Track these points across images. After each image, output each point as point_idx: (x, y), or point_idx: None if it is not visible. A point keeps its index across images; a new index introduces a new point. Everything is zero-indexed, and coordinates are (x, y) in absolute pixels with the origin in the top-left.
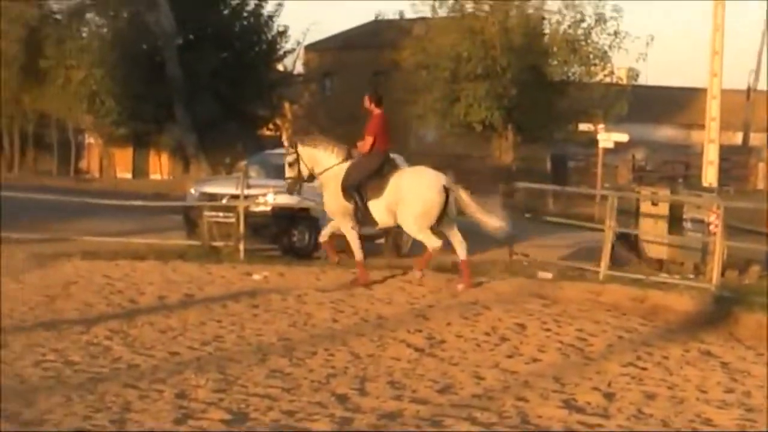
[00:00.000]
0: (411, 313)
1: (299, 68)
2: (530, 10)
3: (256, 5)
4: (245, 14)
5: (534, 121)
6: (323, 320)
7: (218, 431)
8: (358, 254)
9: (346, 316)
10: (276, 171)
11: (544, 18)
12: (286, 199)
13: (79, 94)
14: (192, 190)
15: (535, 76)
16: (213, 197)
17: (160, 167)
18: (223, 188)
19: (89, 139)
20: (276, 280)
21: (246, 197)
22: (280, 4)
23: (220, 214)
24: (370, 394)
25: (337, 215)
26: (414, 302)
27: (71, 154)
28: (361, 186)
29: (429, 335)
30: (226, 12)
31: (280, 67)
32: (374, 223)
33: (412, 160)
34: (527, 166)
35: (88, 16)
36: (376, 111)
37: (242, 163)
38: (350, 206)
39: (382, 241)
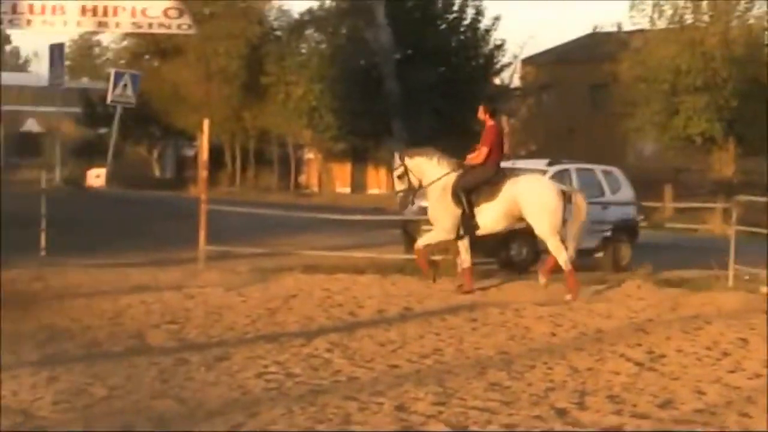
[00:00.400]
0: (630, 327)
1: (516, 82)
2: (751, 21)
3: (473, 20)
4: (462, 29)
5: (756, 133)
6: (542, 334)
7: None
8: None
9: (564, 329)
10: None
11: (766, 28)
12: None
13: (299, 109)
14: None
15: (757, 88)
16: None
17: (378, 181)
18: None
19: (308, 155)
20: (494, 293)
21: None
22: (497, 18)
23: None
24: (589, 409)
25: (441, 222)
26: (633, 316)
27: (291, 169)
28: (472, 192)
29: (649, 349)
30: (443, 27)
31: (497, 80)
32: (476, 228)
33: (631, 173)
34: (749, 179)
35: (308, 32)
36: (490, 122)
37: None
38: (457, 212)
39: (600, 254)
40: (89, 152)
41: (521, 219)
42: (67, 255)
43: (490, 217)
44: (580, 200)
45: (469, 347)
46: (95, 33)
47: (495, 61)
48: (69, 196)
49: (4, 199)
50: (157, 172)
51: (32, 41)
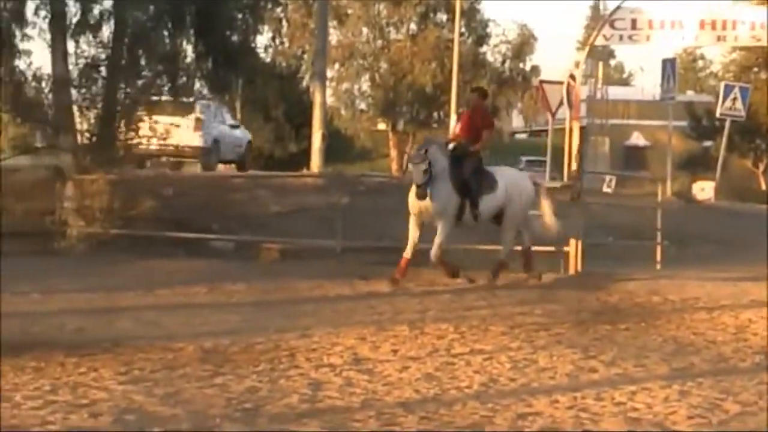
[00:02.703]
0: None
1: None
2: None
3: None
4: None
5: None
6: None
7: None
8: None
9: None
10: None
11: None
12: None
13: None
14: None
15: None
16: None
17: None
18: None
19: None
20: None
21: None
22: None
23: None
24: None
25: (448, 212)
26: None
27: None
28: (473, 180)
29: None
30: None
31: None
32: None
33: None
34: None
35: None
36: (484, 105)
37: None
38: (458, 201)
39: None
40: (694, 165)
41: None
42: (681, 268)
43: (488, 207)
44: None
45: None
46: (700, 46)
47: None
48: (679, 209)
49: (620, 211)
50: (763, 186)
51: (635, 55)
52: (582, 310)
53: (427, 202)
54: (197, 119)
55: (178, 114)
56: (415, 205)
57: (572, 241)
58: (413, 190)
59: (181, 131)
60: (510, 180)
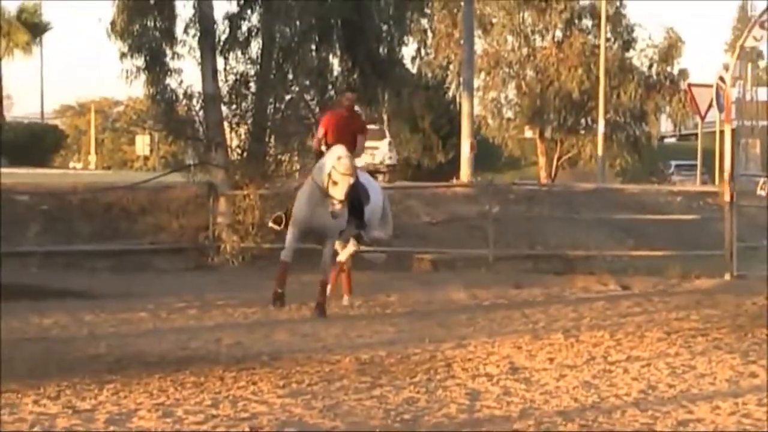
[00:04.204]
0: None
1: None
2: None
3: None
4: None
5: None
6: None
7: None
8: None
9: None
10: None
11: None
12: None
13: None
14: None
15: None
16: None
17: None
18: None
19: None
20: None
21: None
22: None
23: None
24: None
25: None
26: None
27: None
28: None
29: None
30: None
31: None
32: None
33: None
34: None
35: None
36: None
37: None
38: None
39: None
40: None
41: None
42: None
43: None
44: None
45: None
46: None
47: None
48: None
49: None
50: None
51: None
52: (739, 314)
53: (330, 219)
54: (390, 143)
55: (376, 139)
56: (311, 220)
57: (727, 245)
58: (308, 201)
59: (378, 152)
60: (372, 185)
